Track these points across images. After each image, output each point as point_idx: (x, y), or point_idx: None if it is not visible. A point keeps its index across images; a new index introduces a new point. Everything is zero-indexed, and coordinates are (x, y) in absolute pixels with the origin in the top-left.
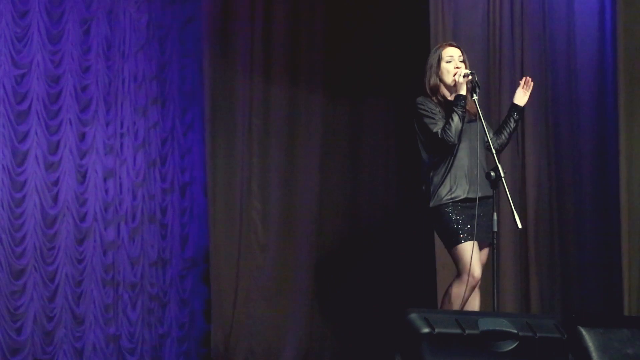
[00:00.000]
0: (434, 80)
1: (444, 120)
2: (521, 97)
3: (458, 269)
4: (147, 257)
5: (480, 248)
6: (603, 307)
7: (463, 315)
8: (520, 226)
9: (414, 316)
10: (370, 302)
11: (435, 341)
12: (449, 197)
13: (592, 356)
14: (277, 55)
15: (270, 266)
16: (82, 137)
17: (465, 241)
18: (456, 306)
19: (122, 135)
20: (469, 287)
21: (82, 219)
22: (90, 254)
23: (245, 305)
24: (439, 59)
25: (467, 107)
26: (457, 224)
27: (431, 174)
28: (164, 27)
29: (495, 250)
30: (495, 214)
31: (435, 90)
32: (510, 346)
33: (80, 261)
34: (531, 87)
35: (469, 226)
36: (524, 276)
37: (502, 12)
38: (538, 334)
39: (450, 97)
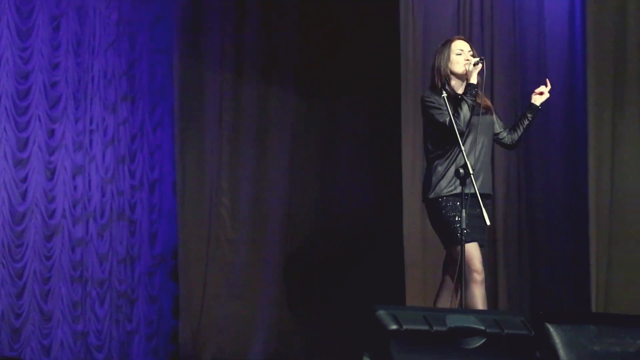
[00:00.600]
0: (445, 71)
1: (451, 111)
2: (538, 97)
3: (464, 269)
4: (116, 254)
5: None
6: (571, 304)
7: (431, 312)
8: (488, 223)
9: (382, 313)
10: (339, 299)
11: (403, 338)
12: (449, 190)
13: (560, 353)
14: (248, 52)
15: (239, 263)
16: (51, 133)
17: (468, 242)
18: (482, 306)
19: (91, 131)
20: (479, 284)
21: (51, 215)
22: (58, 251)
23: (213, 302)
24: (449, 52)
25: (479, 100)
26: (456, 224)
27: (434, 165)
28: (134, 23)
29: (463, 247)
30: (463, 210)
31: (446, 82)
32: (478, 343)
33: (48, 258)
34: (549, 87)
35: (467, 225)
36: (492, 273)
37: (472, 10)
38: (506, 331)
39: (461, 90)
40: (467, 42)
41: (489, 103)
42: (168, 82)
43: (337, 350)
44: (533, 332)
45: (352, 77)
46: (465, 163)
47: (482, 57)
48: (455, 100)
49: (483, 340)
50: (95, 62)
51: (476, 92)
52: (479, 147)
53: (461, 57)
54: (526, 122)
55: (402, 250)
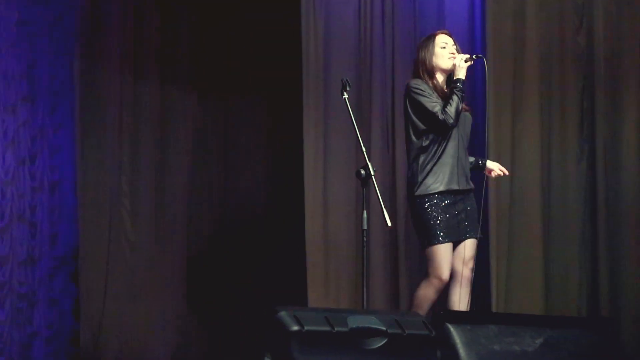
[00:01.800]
0: (430, 64)
1: (441, 104)
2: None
3: (428, 269)
4: (16, 256)
5: (461, 241)
6: (472, 305)
7: (332, 313)
8: (389, 224)
9: (283, 314)
10: (241, 300)
11: (304, 339)
12: (436, 186)
13: (460, 353)
14: (148, 53)
15: (140, 265)
16: None
17: (441, 243)
18: (423, 308)
19: None
20: (436, 289)
21: None
22: None
23: (114, 304)
24: (434, 45)
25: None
26: (437, 223)
27: (420, 161)
28: (33, 24)
29: (364, 248)
30: (365, 211)
31: (432, 74)
32: (379, 343)
33: None
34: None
35: (447, 226)
36: (394, 274)
37: (373, 11)
38: (407, 331)
39: (441, 83)
40: (450, 36)
41: (465, 106)
42: (68, 83)
43: (239, 351)
44: (433, 333)
45: (252, 77)
46: (367, 164)
47: (481, 55)
48: (442, 94)
49: (384, 341)
50: None
51: (464, 87)
52: (456, 144)
53: (445, 50)
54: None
55: (304, 251)
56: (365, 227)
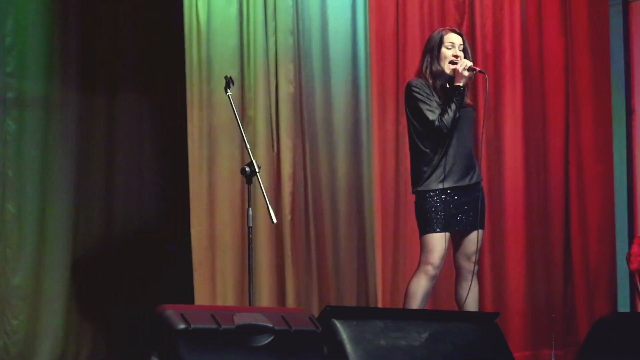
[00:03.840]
0: (435, 66)
1: (439, 108)
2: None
3: (420, 258)
4: None
5: (464, 236)
6: (358, 301)
7: (219, 311)
8: (275, 221)
9: (169, 312)
10: (127, 300)
11: (191, 337)
12: (438, 185)
13: (347, 348)
14: (30, 52)
15: (25, 267)
16: None
17: (435, 232)
18: (417, 301)
19: None
20: (428, 277)
21: None
22: None
23: None
24: (440, 44)
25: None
26: (436, 213)
27: (422, 156)
28: None
29: (251, 245)
30: (250, 208)
31: (437, 75)
32: (266, 340)
33: None
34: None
35: (445, 217)
36: (280, 271)
37: (256, 9)
38: (293, 328)
39: (442, 84)
40: (460, 35)
41: (467, 101)
42: None
43: (126, 351)
44: (320, 329)
45: (135, 75)
46: (252, 162)
47: (483, 71)
48: (444, 95)
49: (271, 338)
50: None
51: (463, 95)
52: (457, 140)
53: (450, 52)
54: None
55: (189, 251)
56: (250, 224)
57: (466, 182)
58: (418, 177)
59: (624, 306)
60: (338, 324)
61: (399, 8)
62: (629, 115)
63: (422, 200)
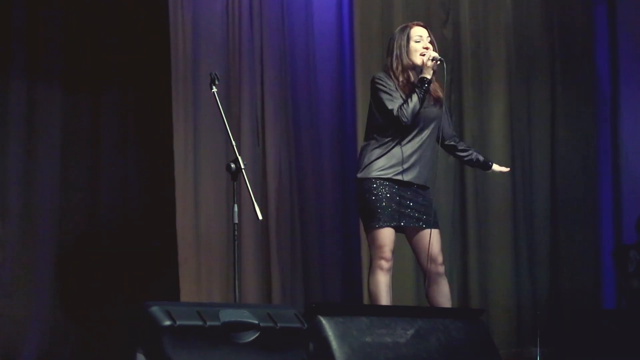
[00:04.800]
0: (406, 60)
1: (402, 100)
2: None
3: (371, 253)
4: None
5: (414, 234)
6: (344, 297)
7: (205, 308)
8: (260, 217)
9: (154, 309)
10: (113, 297)
11: (176, 334)
12: (380, 173)
13: (332, 345)
14: (14, 48)
15: (10, 263)
16: None
17: (382, 227)
18: (382, 296)
19: None
20: (384, 271)
21: None
22: None
23: None
24: (408, 39)
25: (433, 94)
26: (380, 205)
27: (371, 146)
28: None
29: (236, 242)
30: (235, 205)
31: (407, 69)
32: (252, 337)
33: None
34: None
35: (390, 210)
36: (266, 267)
37: (242, 5)
38: (279, 324)
39: (413, 79)
40: (426, 28)
41: (440, 94)
42: None
43: (111, 348)
44: (306, 325)
45: (120, 72)
46: (237, 158)
47: (442, 59)
48: (410, 90)
49: (257, 334)
50: None
51: (427, 87)
52: (418, 138)
53: (420, 44)
54: (473, 159)
55: (175, 247)
56: (236, 220)
57: (416, 180)
58: (361, 163)
59: (609, 303)
60: (324, 320)
61: (384, 4)
62: (614, 108)
63: (362, 190)
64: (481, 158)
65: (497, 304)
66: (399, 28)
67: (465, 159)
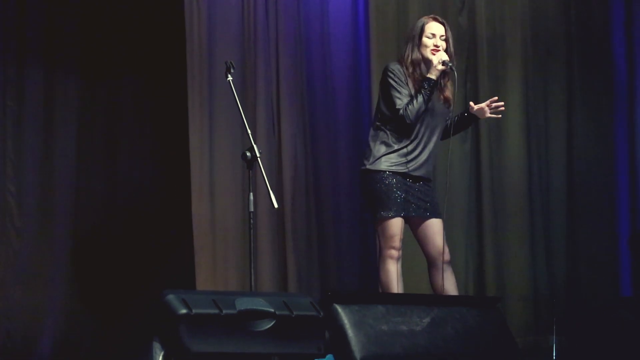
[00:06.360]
0: (415, 54)
1: (409, 97)
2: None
3: (380, 243)
4: None
5: (420, 223)
6: (359, 285)
7: (220, 296)
8: (276, 206)
9: (171, 297)
10: (129, 285)
11: (193, 322)
12: (390, 165)
13: (348, 333)
14: (31, 37)
15: (27, 251)
16: None
17: (394, 217)
18: (392, 286)
19: None
20: (394, 260)
21: None
22: None
23: (0, 290)
24: (421, 33)
25: (444, 93)
26: (392, 195)
27: (380, 136)
28: None
29: (252, 230)
30: (251, 193)
31: (417, 63)
32: (268, 325)
33: None
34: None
35: (400, 200)
36: (281, 255)
37: None
38: (295, 313)
39: (422, 73)
40: (443, 24)
41: (449, 95)
42: None
43: (128, 336)
44: (322, 314)
45: (136, 61)
46: (252, 147)
47: (452, 64)
48: (418, 82)
49: (273, 323)
50: None
51: (432, 88)
52: (426, 133)
53: (431, 41)
54: (453, 121)
55: (191, 235)
56: (251, 209)
57: (419, 173)
58: (370, 154)
59: (626, 291)
60: (339, 308)
61: None
62: (631, 97)
63: (370, 181)
64: (458, 114)
65: (513, 292)
66: (419, 20)
67: (450, 127)
